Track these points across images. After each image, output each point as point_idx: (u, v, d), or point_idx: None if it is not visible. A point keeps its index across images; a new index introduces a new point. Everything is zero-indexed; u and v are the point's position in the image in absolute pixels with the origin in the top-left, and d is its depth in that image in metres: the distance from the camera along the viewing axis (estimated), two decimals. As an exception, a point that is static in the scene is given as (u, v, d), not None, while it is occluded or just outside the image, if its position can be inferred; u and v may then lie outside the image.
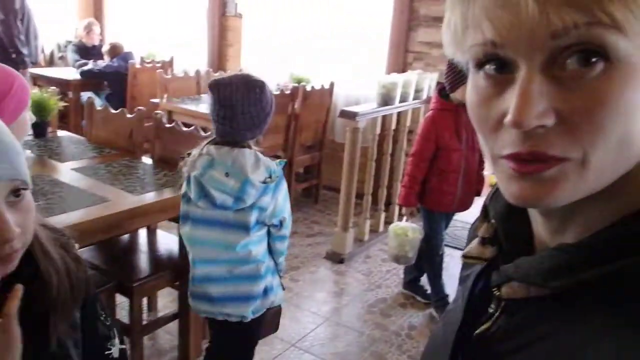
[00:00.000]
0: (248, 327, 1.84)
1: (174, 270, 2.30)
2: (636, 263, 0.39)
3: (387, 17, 4.12)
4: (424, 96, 3.68)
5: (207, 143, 1.74)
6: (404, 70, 4.01)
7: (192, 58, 5.26)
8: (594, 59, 0.37)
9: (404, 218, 2.79)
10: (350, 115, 3.18)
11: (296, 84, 4.16)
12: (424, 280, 3.00)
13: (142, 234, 2.56)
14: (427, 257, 2.83)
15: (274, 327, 2.06)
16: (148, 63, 4.99)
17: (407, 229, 2.75)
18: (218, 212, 1.72)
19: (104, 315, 0.91)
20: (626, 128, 0.39)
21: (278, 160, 1.78)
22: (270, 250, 1.85)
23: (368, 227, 3.65)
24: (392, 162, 3.79)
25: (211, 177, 1.68)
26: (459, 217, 3.46)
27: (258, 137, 1.78)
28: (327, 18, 4.42)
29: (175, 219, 2.26)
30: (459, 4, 0.41)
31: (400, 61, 4.15)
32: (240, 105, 1.67)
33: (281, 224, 1.80)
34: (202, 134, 2.29)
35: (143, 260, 2.41)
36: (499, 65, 0.41)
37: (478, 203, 2.96)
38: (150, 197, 2.10)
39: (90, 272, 0.89)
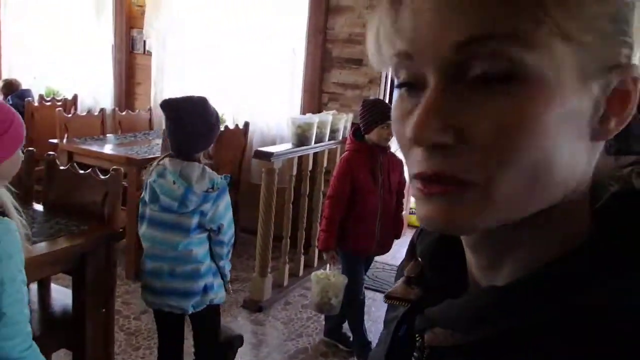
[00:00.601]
0: (192, 319, 2.12)
1: (69, 328, 2.06)
2: (561, 311, 0.36)
3: (301, 58, 4.13)
4: (340, 136, 3.68)
5: (165, 156, 2.02)
6: (319, 111, 4.00)
7: (97, 96, 4.97)
8: (499, 75, 0.34)
9: (328, 265, 2.68)
10: (265, 156, 3.08)
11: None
12: (346, 326, 2.89)
13: (32, 289, 2.28)
14: (348, 303, 2.72)
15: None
16: (48, 101, 4.65)
17: (330, 274, 2.64)
18: (165, 215, 1.98)
19: None
20: (542, 154, 0.35)
21: (223, 175, 2.08)
22: (212, 254, 2.09)
23: (287, 271, 3.52)
24: (310, 203, 3.71)
25: (161, 184, 1.96)
26: (379, 258, 3.43)
27: (207, 149, 2.07)
28: (242, 57, 4.35)
29: (69, 272, 2.05)
30: (378, 16, 0.40)
31: (316, 101, 4.15)
32: (186, 118, 1.95)
33: (219, 229, 2.03)
34: (101, 177, 2.09)
35: (33, 319, 2.13)
36: (413, 80, 0.39)
37: (398, 245, 2.94)
38: (40, 248, 1.86)
39: None
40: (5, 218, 1.31)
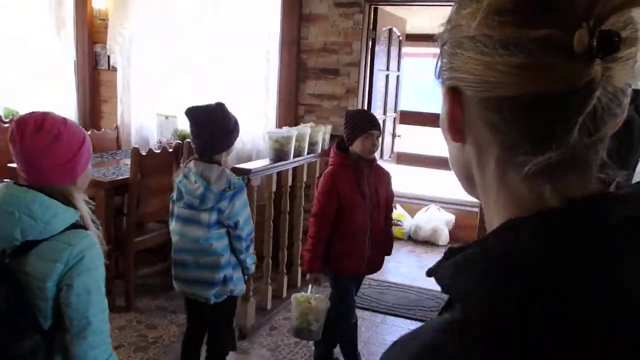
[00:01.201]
0: (213, 308, 2.29)
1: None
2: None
3: (275, 69, 3.98)
4: (319, 149, 3.53)
5: (191, 159, 2.27)
6: (296, 123, 3.85)
7: (62, 114, 4.70)
8: None
9: (310, 287, 2.51)
10: (242, 173, 2.89)
11: (180, 141, 3.80)
12: (337, 351, 2.71)
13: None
14: (339, 328, 2.55)
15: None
16: (6, 122, 4.38)
17: (310, 297, 2.46)
18: (189, 211, 2.22)
19: None
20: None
21: (241, 177, 2.34)
22: (233, 248, 2.27)
23: (270, 293, 3.34)
24: (290, 220, 3.55)
25: (185, 184, 2.20)
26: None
27: (227, 151, 2.28)
28: (213, 69, 4.17)
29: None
30: None
31: (292, 114, 4.00)
32: (205, 123, 2.21)
33: (236, 225, 2.22)
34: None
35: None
36: None
37: (387, 261, 2.78)
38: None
39: None
40: (89, 232, 1.35)
